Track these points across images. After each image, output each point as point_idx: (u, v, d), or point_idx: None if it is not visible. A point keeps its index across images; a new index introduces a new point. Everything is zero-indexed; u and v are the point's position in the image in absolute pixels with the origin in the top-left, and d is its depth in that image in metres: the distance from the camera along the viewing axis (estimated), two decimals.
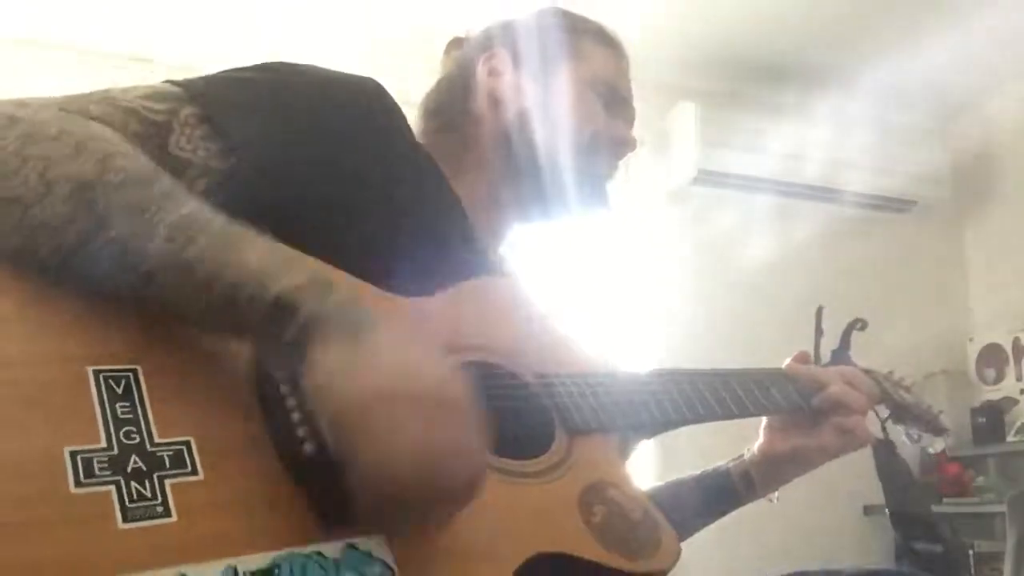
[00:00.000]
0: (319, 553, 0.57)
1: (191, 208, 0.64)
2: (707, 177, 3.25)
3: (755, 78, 3.35)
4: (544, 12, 1.05)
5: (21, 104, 0.67)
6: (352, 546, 0.58)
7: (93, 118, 0.70)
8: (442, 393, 0.60)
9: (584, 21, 1.07)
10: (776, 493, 1.11)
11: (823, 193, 3.40)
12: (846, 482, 3.39)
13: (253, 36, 2.74)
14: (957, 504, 3.29)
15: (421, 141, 0.97)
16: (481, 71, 1.01)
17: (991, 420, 3.37)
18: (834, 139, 3.34)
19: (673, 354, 3.06)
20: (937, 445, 1.20)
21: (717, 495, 1.09)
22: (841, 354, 1.16)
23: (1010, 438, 3.32)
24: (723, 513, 1.10)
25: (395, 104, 0.91)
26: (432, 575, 0.61)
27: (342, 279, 0.67)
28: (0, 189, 0.62)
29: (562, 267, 2.79)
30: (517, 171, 0.98)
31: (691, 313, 3.13)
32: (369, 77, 0.91)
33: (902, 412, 1.18)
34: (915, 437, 1.20)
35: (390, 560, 0.59)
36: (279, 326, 0.61)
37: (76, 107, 0.70)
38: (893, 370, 1.21)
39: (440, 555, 0.62)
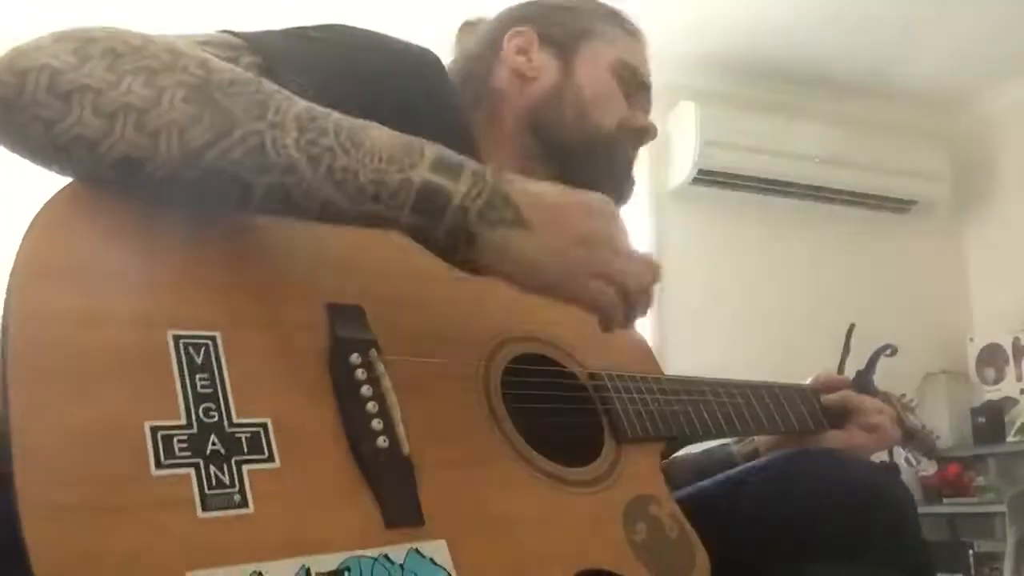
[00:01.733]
0: (386, 556, 0.58)
1: (304, 102, 0.64)
2: (707, 177, 3.25)
3: (755, 78, 3.35)
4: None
5: (87, 32, 0.63)
6: (416, 551, 0.60)
7: None
8: (608, 217, 0.71)
9: (606, 6, 1.07)
10: None
11: (823, 193, 3.41)
12: None
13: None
14: (957, 504, 3.29)
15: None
16: (508, 48, 1.00)
17: (991, 420, 3.37)
18: (834, 139, 3.34)
19: (673, 354, 3.06)
20: (930, 468, 1.21)
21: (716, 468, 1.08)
22: (865, 377, 1.15)
23: (1010, 438, 3.32)
24: None
25: (450, 78, 0.93)
26: None
27: (458, 155, 0.68)
28: (101, 104, 0.58)
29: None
30: (544, 151, 0.97)
31: (690, 313, 3.13)
32: (428, 48, 0.91)
33: (909, 436, 1.18)
34: (914, 462, 1.21)
35: (449, 567, 0.60)
36: (434, 216, 0.63)
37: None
38: (904, 394, 1.22)
39: (498, 562, 0.64)
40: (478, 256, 0.65)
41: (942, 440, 3.40)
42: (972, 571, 3.04)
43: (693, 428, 0.90)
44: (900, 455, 1.21)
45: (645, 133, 1.03)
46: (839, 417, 1.06)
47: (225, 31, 0.78)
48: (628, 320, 0.72)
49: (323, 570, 0.55)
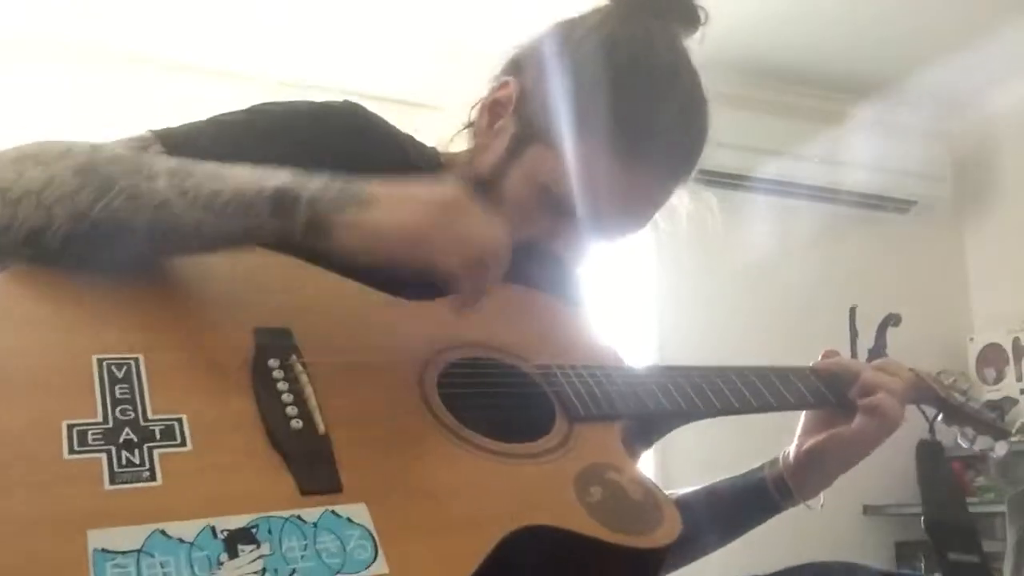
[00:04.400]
0: (298, 516, 0.59)
1: (178, 159, 0.73)
2: (707, 177, 3.24)
3: (755, 79, 3.35)
4: (583, 65, 0.86)
5: None
6: (332, 512, 0.60)
7: None
8: (459, 195, 0.72)
9: (624, 104, 0.84)
10: (820, 498, 1.02)
11: (823, 193, 3.41)
12: (846, 482, 3.40)
13: (262, 38, 2.74)
14: None
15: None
16: (491, 95, 0.93)
17: None
18: (834, 139, 3.34)
19: (672, 354, 3.06)
20: (999, 449, 1.10)
21: (754, 502, 1.02)
22: (877, 353, 1.11)
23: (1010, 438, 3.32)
24: (762, 521, 1.02)
25: (373, 124, 0.91)
26: (412, 542, 0.61)
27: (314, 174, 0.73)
28: (9, 196, 0.69)
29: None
30: None
31: (690, 313, 3.13)
32: (346, 101, 0.92)
33: (953, 412, 1.11)
34: (971, 437, 1.11)
35: (369, 526, 0.60)
36: (288, 215, 0.69)
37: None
38: (943, 371, 1.15)
39: (422, 523, 0.63)
40: (336, 241, 0.69)
41: (942, 440, 3.41)
42: None
43: (659, 405, 0.84)
44: (954, 434, 1.12)
45: (562, 253, 0.92)
46: (843, 392, 0.99)
47: (150, 130, 0.85)
48: (477, 285, 0.73)
49: (230, 527, 0.56)
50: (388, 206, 0.70)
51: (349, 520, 0.60)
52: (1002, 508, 2.65)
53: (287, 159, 0.77)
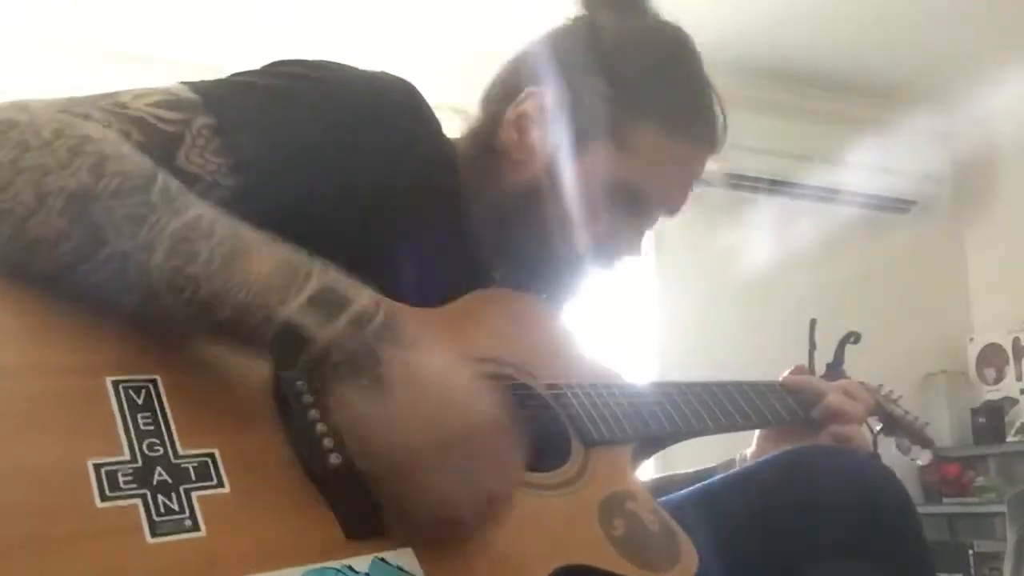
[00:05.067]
0: (349, 567, 0.57)
1: (191, 215, 0.61)
2: (707, 177, 3.24)
3: (755, 78, 3.35)
4: (619, 59, 0.86)
5: (23, 108, 0.65)
6: (381, 560, 0.58)
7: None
8: (483, 423, 0.62)
9: (667, 90, 0.87)
10: None
11: (823, 193, 3.41)
12: None
13: (263, 37, 2.74)
14: (957, 504, 3.29)
15: (464, 140, 0.92)
16: (515, 108, 0.88)
17: (991, 420, 3.38)
18: (834, 139, 3.34)
19: (672, 354, 3.06)
20: (924, 457, 1.21)
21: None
22: (835, 368, 1.16)
23: (1010, 438, 3.32)
24: None
25: (421, 107, 0.85)
26: None
27: (357, 289, 0.64)
28: None
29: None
30: (499, 244, 0.89)
31: (690, 313, 3.13)
32: (399, 78, 0.85)
33: (893, 424, 1.18)
34: (906, 448, 1.20)
35: (419, 573, 0.59)
36: (290, 355, 0.60)
37: (80, 110, 0.68)
38: (882, 384, 1.22)
39: (469, 567, 0.63)
40: (326, 403, 0.61)
41: (942, 440, 3.41)
42: (972, 571, 3.04)
43: (661, 427, 0.87)
44: (891, 445, 1.21)
45: (616, 258, 0.91)
46: (818, 423, 1.04)
47: (186, 83, 0.75)
48: (469, 528, 0.63)
49: None
50: (393, 404, 0.59)
51: (400, 569, 0.58)
52: (1002, 508, 2.65)
53: (340, 131, 0.77)
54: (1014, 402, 3.42)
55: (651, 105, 0.86)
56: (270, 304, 0.59)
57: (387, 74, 0.85)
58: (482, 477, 0.61)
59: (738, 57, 3.25)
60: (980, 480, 3.32)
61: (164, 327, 0.62)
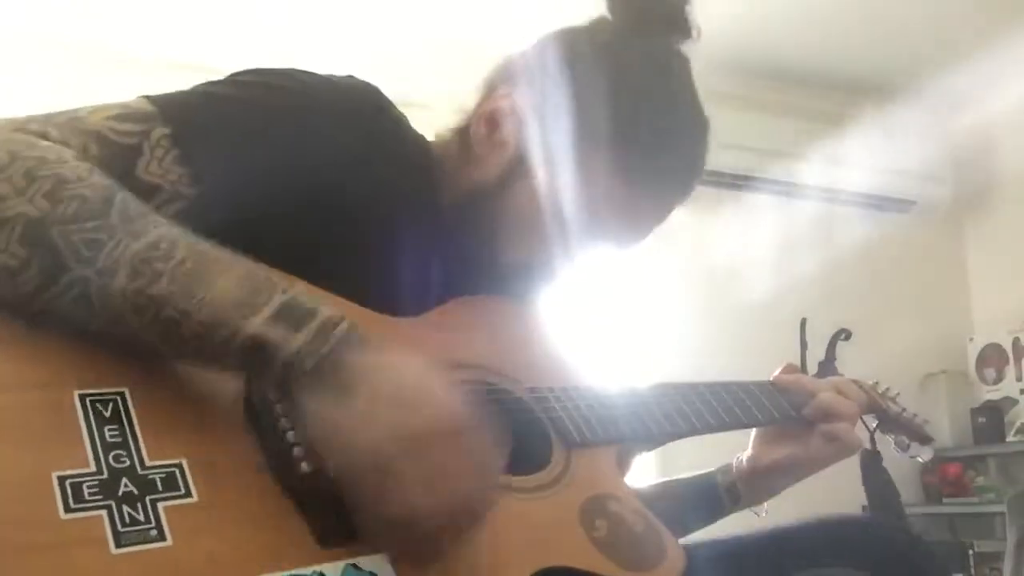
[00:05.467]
0: (320, 573, 0.56)
1: (152, 236, 0.61)
2: (707, 177, 3.24)
3: (755, 78, 3.35)
4: (589, 80, 0.83)
5: None
6: (353, 566, 0.57)
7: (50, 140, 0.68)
8: (453, 423, 0.61)
9: (632, 127, 0.82)
10: (764, 506, 1.08)
11: (823, 193, 3.40)
12: (845, 483, 3.40)
13: (256, 35, 2.74)
14: (957, 504, 3.29)
15: (447, 134, 0.91)
16: (488, 103, 0.88)
17: (991, 420, 3.37)
18: (834, 139, 3.34)
19: (672, 355, 3.05)
20: (925, 454, 1.21)
21: (703, 504, 1.06)
22: (827, 366, 1.17)
23: (1010, 438, 3.32)
24: (710, 522, 1.06)
25: (385, 109, 0.85)
26: None
27: (321, 300, 0.64)
28: None
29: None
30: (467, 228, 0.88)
31: (690, 313, 3.12)
32: (363, 82, 0.85)
33: (890, 422, 1.17)
34: (904, 445, 1.19)
35: None
36: (258, 368, 0.60)
37: (36, 128, 0.68)
38: (878, 381, 1.21)
39: (445, 572, 0.61)
40: (296, 413, 0.60)
41: (942, 440, 3.41)
42: (972, 571, 3.04)
43: (646, 428, 0.86)
44: (889, 443, 1.20)
45: (570, 267, 0.89)
46: (810, 422, 1.03)
47: (145, 97, 0.75)
48: (445, 535, 0.61)
49: None
50: (362, 410, 0.59)
51: (371, 574, 0.57)
52: (1002, 508, 2.65)
53: (302, 136, 0.76)
54: (1014, 402, 3.41)
55: (608, 136, 0.82)
56: (234, 320, 0.59)
57: (351, 78, 0.85)
58: (452, 479, 0.59)
59: (739, 57, 3.24)
60: (980, 480, 3.32)
61: (131, 348, 0.61)
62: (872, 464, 1.17)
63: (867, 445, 1.14)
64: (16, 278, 0.59)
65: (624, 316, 3.16)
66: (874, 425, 1.17)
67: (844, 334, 1.19)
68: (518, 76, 0.88)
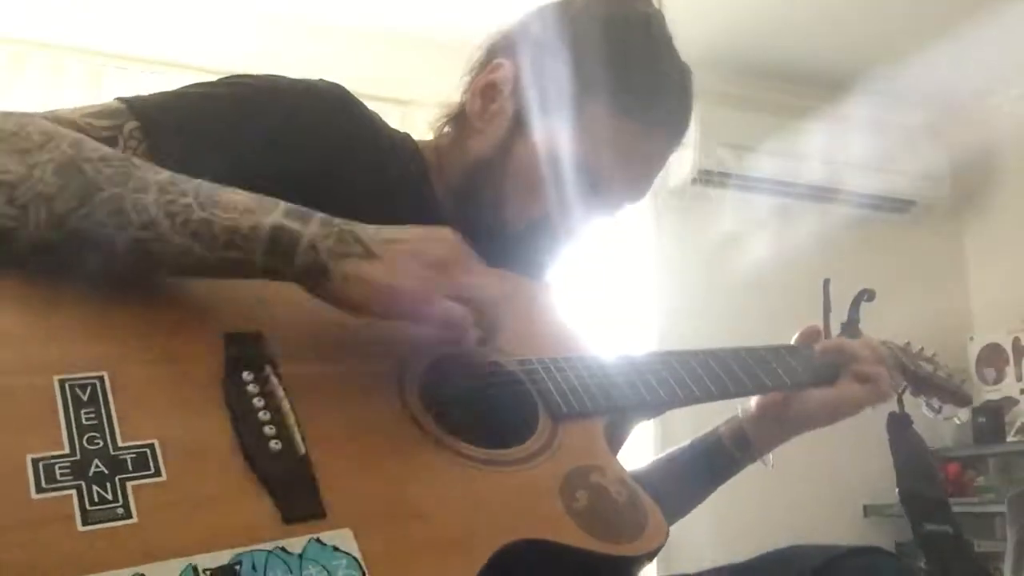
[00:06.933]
0: (282, 548, 0.56)
1: (170, 174, 0.68)
2: (707, 177, 3.25)
3: (756, 78, 3.35)
4: (582, 37, 0.87)
5: None
6: (317, 540, 0.58)
7: None
8: (459, 252, 0.72)
9: (623, 70, 0.87)
10: (770, 457, 1.04)
11: (823, 193, 3.40)
12: (846, 482, 3.40)
13: (246, 35, 2.74)
14: (957, 504, 3.28)
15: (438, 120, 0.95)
16: (481, 78, 0.92)
17: (991, 420, 3.37)
18: (834, 139, 3.34)
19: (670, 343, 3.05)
20: (962, 415, 1.16)
21: (710, 461, 1.04)
22: (851, 326, 1.10)
23: (1010, 438, 3.32)
24: (720, 481, 1.04)
25: (353, 107, 0.88)
26: (402, 567, 0.59)
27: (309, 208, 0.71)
28: None
29: (558, 267, 2.78)
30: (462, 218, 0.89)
31: (690, 313, 3.12)
32: (332, 83, 0.88)
33: (921, 383, 1.13)
34: (936, 407, 1.13)
35: (356, 554, 0.58)
36: (284, 257, 0.67)
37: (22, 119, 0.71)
38: (910, 341, 1.16)
39: (410, 546, 0.61)
40: (334, 287, 0.68)
41: (942, 440, 3.41)
42: None
43: (639, 396, 0.84)
44: (920, 405, 1.14)
45: (569, 237, 0.92)
46: (833, 367, 1.00)
47: (118, 98, 0.79)
48: (487, 335, 0.73)
49: (212, 566, 0.54)
50: (390, 258, 0.68)
51: (335, 549, 0.58)
52: (1002, 508, 2.65)
53: (268, 136, 0.79)
54: (1014, 402, 3.41)
55: (605, 83, 0.86)
56: (256, 216, 0.67)
57: (320, 80, 0.88)
58: (475, 277, 0.71)
59: (739, 57, 3.25)
60: (980, 480, 3.32)
61: (153, 263, 0.66)
62: (901, 429, 1.09)
63: (895, 409, 1.08)
64: (53, 202, 0.64)
65: (623, 314, 3.16)
66: (903, 387, 1.11)
67: (867, 295, 1.14)
68: (507, 46, 0.92)
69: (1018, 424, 3.35)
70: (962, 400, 1.15)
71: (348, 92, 0.89)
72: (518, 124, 0.88)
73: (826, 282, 1.16)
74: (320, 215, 0.69)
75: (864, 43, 3.22)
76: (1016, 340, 3.44)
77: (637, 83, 0.87)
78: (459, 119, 0.94)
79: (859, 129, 3.41)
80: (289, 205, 0.69)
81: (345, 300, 0.68)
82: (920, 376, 1.13)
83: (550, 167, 0.87)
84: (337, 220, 0.70)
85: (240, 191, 0.69)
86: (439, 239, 0.72)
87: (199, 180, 0.69)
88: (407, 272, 0.68)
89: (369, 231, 0.70)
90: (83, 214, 0.64)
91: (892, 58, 3.31)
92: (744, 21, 3.05)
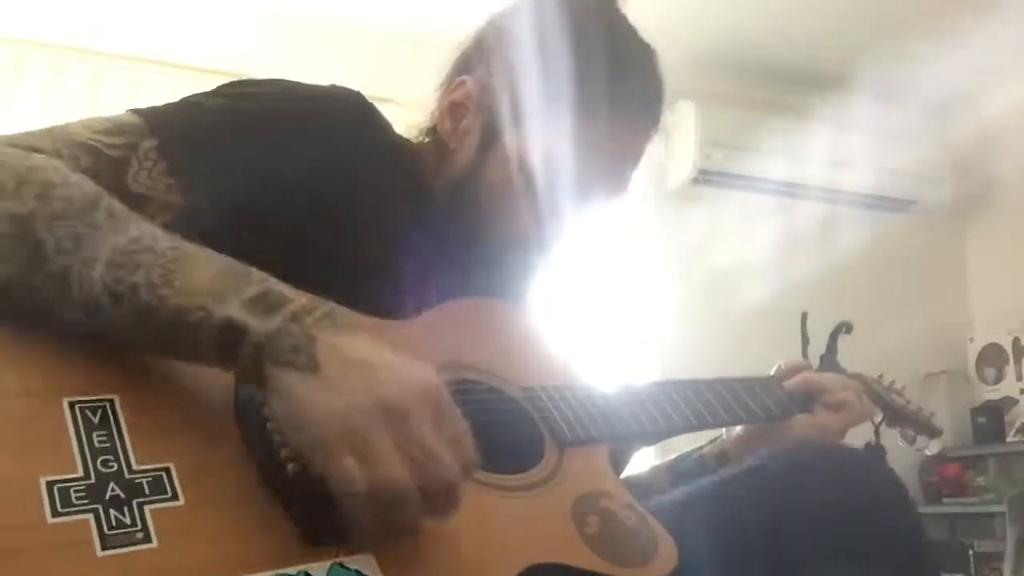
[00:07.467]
0: (306, 573, 0.56)
1: (133, 233, 0.63)
2: (707, 177, 3.25)
3: (755, 78, 3.35)
4: (536, 42, 0.86)
5: None
6: (340, 564, 0.57)
7: (39, 152, 0.69)
8: (427, 394, 0.60)
9: (582, 69, 0.84)
10: None
11: (823, 193, 3.40)
12: None
13: (246, 35, 2.74)
14: (957, 504, 3.29)
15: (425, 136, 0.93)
16: (445, 102, 0.90)
17: (991, 420, 3.37)
18: (834, 139, 3.34)
19: (671, 354, 3.06)
20: (933, 447, 1.20)
21: (691, 481, 1.04)
22: (829, 359, 1.15)
23: (1010, 438, 3.32)
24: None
25: (370, 115, 0.87)
26: None
27: (291, 291, 0.64)
28: None
29: (557, 267, 2.78)
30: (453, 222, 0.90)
31: (689, 313, 3.13)
32: (348, 90, 0.87)
33: (895, 415, 1.17)
34: (911, 438, 1.19)
35: None
36: (230, 352, 0.60)
37: (28, 143, 0.70)
38: (883, 374, 1.21)
39: (430, 570, 0.61)
40: (269, 394, 0.60)
41: (943, 440, 3.41)
42: (972, 571, 3.04)
43: (640, 425, 0.87)
44: (895, 437, 1.20)
45: (548, 245, 0.90)
46: (806, 401, 1.04)
47: (132, 111, 0.77)
48: (424, 513, 0.59)
49: None
50: (333, 381, 0.58)
51: (358, 572, 0.57)
52: (1002, 508, 2.65)
53: (290, 143, 0.78)
54: (1014, 402, 3.41)
55: (565, 84, 0.84)
56: (209, 305, 0.60)
57: (336, 86, 0.87)
58: (429, 448, 0.57)
59: (739, 57, 3.25)
60: (980, 480, 3.32)
61: (110, 341, 0.62)
62: (876, 460, 1.15)
63: (870, 440, 1.14)
64: (1, 265, 0.61)
65: (624, 313, 3.16)
66: (879, 419, 1.16)
67: (845, 327, 1.18)
68: (470, 63, 0.91)
69: (1018, 424, 3.35)
70: (933, 432, 1.20)
71: (365, 98, 0.88)
72: (487, 139, 0.87)
73: (803, 316, 1.21)
74: (293, 308, 0.61)
75: (864, 43, 3.22)
76: (1016, 340, 3.44)
77: (596, 77, 0.85)
78: (436, 135, 0.93)
79: (859, 128, 3.41)
80: (261, 289, 0.62)
81: (273, 415, 0.60)
82: (894, 407, 1.17)
83: (523, 177, 0.85)
84: (313, 316, 0.61)
85: (208, 262, 0.63)
86: (409, 383, 0.60)
87: (169, 244, 0.63)
88: (339, 406, 0.57)
89: (337, 341, 0.60)
90: (29, 287, 0.61)
91: (892, 58, 3.31)
92: (744, 21, 3.04)
